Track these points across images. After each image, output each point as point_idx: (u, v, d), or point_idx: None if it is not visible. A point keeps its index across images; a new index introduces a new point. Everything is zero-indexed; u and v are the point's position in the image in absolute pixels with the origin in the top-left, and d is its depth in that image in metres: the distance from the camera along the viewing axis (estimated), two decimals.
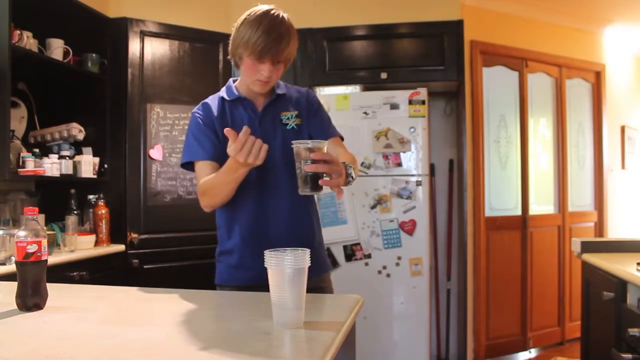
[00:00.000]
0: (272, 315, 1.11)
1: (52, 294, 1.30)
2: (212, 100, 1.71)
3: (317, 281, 1.69)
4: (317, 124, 1.71)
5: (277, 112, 1.69)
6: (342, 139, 1.77)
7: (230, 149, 1.39)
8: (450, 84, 3.48)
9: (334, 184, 1.39)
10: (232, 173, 1.47)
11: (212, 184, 1.56)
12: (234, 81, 1.74)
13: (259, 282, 1.49)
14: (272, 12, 1.57)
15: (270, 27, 1.52)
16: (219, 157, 1.60)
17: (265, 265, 1.10)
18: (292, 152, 1.40)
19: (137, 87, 3.19)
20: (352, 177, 1.52)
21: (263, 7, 1.58)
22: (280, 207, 1.65)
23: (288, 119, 1.69)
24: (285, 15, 1.59)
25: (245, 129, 1.37)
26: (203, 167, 1.63)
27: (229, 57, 1.66)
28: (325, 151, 1.39)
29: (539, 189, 4.20)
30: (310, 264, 1.10)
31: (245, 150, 1.36)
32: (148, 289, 1.53)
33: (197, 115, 1.68)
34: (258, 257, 1.53)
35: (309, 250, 1.10)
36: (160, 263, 3.18)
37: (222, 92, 1.73)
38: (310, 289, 1.55)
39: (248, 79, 1.63)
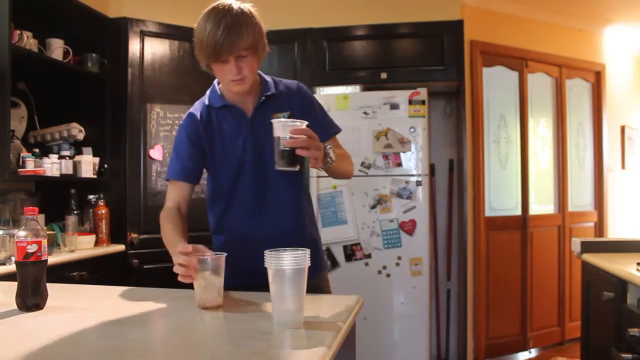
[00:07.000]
0: (272, 315, 1.11)
1: (52, 294, 1.30)
2: (197, 110, 1.64)
3: (316, 280, 1.68)
4: (313, 124, 1.48)
5: (268, 115, 1.57)
6: (339, 131, 1.72)
7: (179, 258, 1.35)
8: (450, 84, 3.48)
9: (312, 155, 1.37)
10: (169, 248, 1.47)
11: (163, 233, 1.55)
12: (219, 83, 1.64)
13: (243, 283, 1.48)
14: (219, 5, 1.45)
15: (215, 23, 1.41)
16: (196, 174, 1.62)
17: (265, 265, 1.10)
18: None
19: (137, 87, 3.19)
20: (330, 157, 1.48)
21: (214, 4, 1.47)
22: (274, 211, 1.62)
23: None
24: (236, 4, 1.46)
25: (192, 249, 1.35)
26: (172, 187, 1.63)
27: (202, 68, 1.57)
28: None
29: (539, 189, 4.20)
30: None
31: (182, 267, 1.35)
32: (148, 289, 1.53)
33: (183, 128, 1.63)
34: (247, 257, 1.51)
35: (309, 251, 1.10)
36: (160, 263, 3.17)
37: (206, 98, 1.64)
38: (310, 288, 1.55)
39: (224, 82, 1.55)
